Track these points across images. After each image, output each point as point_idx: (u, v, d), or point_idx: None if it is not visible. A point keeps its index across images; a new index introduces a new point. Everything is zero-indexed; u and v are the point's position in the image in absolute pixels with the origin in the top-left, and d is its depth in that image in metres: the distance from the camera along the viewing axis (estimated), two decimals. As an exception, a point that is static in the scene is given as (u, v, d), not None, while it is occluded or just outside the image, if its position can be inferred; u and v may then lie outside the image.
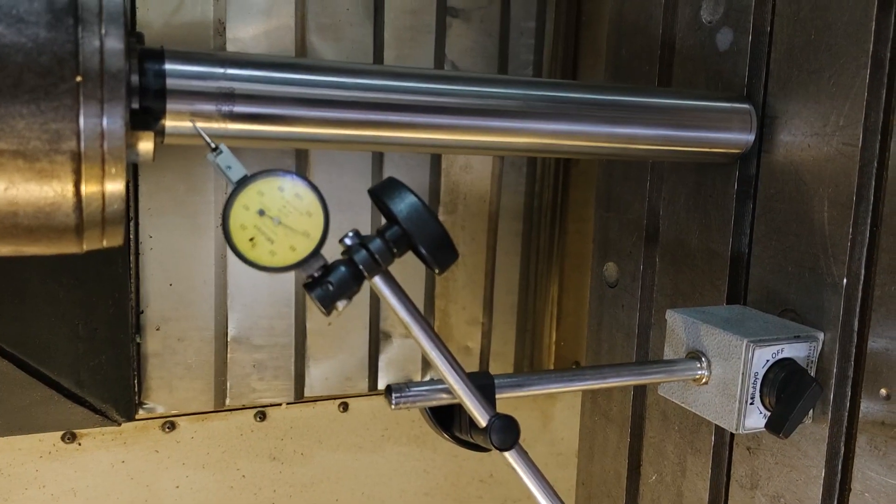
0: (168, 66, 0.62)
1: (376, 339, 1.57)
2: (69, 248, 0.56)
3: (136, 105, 0.60)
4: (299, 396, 1.51)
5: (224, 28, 1.34)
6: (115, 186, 0.54)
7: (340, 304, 0.59)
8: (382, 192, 0.61)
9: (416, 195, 0.61)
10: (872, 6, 0.73)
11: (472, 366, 1.67)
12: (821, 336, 0.80)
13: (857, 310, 0.78)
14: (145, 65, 0.61)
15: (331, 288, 0.57)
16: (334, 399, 1.55)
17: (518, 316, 1.71)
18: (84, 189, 0.53)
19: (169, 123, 0.63)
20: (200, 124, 0.61)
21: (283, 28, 1.38)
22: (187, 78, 0.63)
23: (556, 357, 1.80)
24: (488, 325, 1.68)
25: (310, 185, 0.57)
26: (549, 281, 1.75)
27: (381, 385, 1.58)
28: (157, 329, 1.39)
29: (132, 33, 0.59)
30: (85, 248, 0.57)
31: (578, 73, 1.69)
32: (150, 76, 0.61)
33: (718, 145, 0.85)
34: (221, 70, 0.63)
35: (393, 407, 0.68)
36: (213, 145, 0.58)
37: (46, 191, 0.52)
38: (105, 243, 0.58)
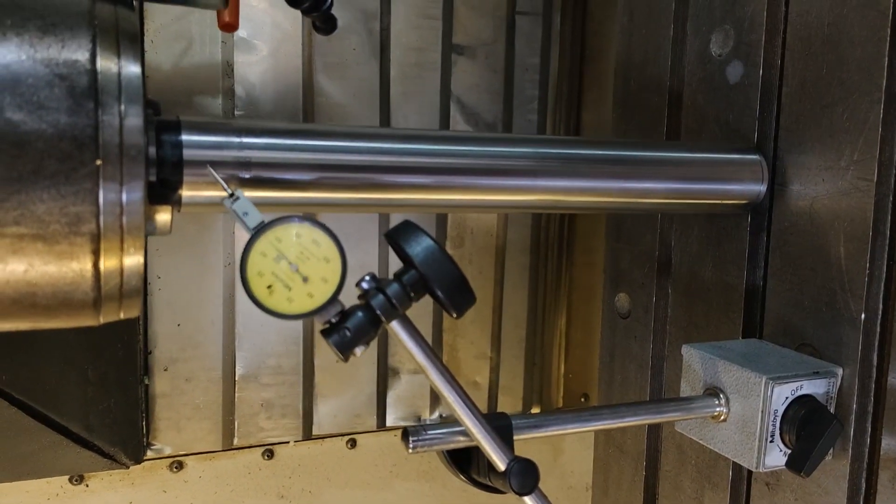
0: (185, 137, 0.62)
1: (384, 375, 1.56)
2: (86, 322, 0.56)
3: (153, 178, 0.60)
4: (307, 434, 1.50)
5: (232, 69, 1.35)
6: (134, 261, 0.54)
7: (358, 350, 0.58)
8: (398, 236, 0.60)
9: (432, 238, 0.60)
10: (884, 42, 0.74)
11: (481, 400, 1.66)
12: (840, 371, 0.79)
13: (876, 345, 0.77)
14: (162, 137, 0.61)
15: (348, 334, 0.57)
16: (342, 436, 1.54)
17: (526, 350, 1.70)
18: (103, 266, 0.53)
19: (186, 193, 0.63)
20: (212, 193, 0.61)
21: (290, 68, 1.39)
22: (204, 148, 0.63)
23: (565, 390, 1.78)
24: (496, 359, 1.67)
25: (327, 231, 0.57)
26: (557, 314, 1.74)
27: (390, 421, 1.57)
28: (166, 370, 1.38)
29: (148, 103, 0.59)
30: (102, 321, 0.56)
31: (583, 108, 1.70)
32: (168, 148, 0.61)
33: (730, 197, 0.86)
34: (237, 139, 0.64)
35: (410, 451, 0.67)
36: (230, 191, 0.58)
37: (65, 271, 0.51)
38: (122, 315, 0.57)
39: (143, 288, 0.58)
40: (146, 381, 1.36)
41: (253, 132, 0.64)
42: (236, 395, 1.43)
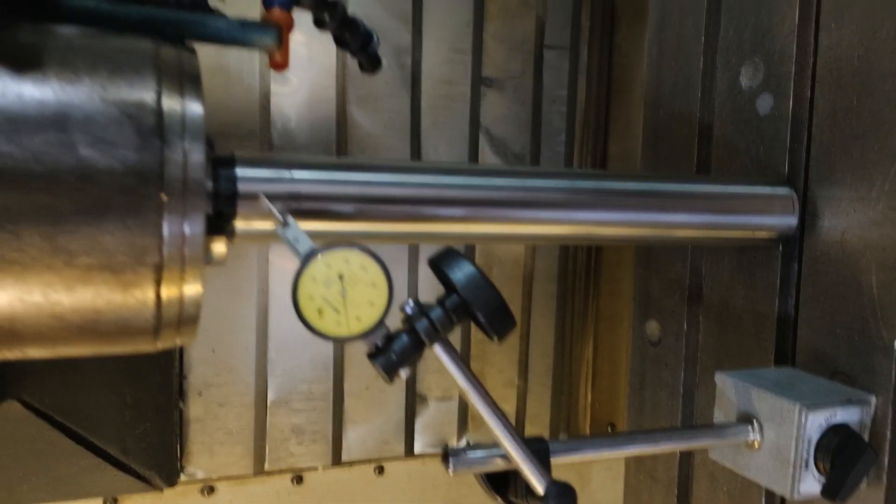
0: (239, 172, 0.65)
1: (412, 402, 1.58)
2: (144, 348, 0.59)
3: (210, 211, 0.62)
4: (336, 460, 1.51)
5: (268, 101, 1.39)
6: (193, 290, 0.57)
7: (403, 373, 0.60)
8: (441, 262, 0.63)
9: (473, 264, 0.62)
10: (914, 74, 0.76)
11: (510, 428, 1.66)
12: (873, 400, 0.80)
13: (911, 373, 0.78)
14: (218, 171, 0.64)
15: (394, 357, 0.59)
16: (370, 462, 1.55)
17: (553, 378, 1.71)
18: (164, 295, 0.55)
19: (239, 224, 0.66)
20: (262, 225, 0.64)
21: (324, 100, 1.43)
22: (257, 182, 0.66)
23: (592, 419, 1.78)
24: (524, 387, 1.68)
25: (374, 257, 0.59)
26: (584, 342, 1.75)
27: (418, 448, 1.58)
28: (200, 394, 1.40)
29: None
30: (158, 347, 0.59)
31: (610, 139, 1.72)
32: (223, 182, 0.64)
33: (761, 229, 0.87)
34: (288, 173, 0.67)
35: (451, 472, 0.68)
36: (281, 219, 0.61)
37: (129, 300, 0.54)
38: (178, 342, 0.60)
39: (199, 316, 0.60)
40: (181, 406, 1.38)
41: (302, 166, 0.67)
42: (268, 420, 1.45)
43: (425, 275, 1.51)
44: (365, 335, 0.59)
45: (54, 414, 1.21)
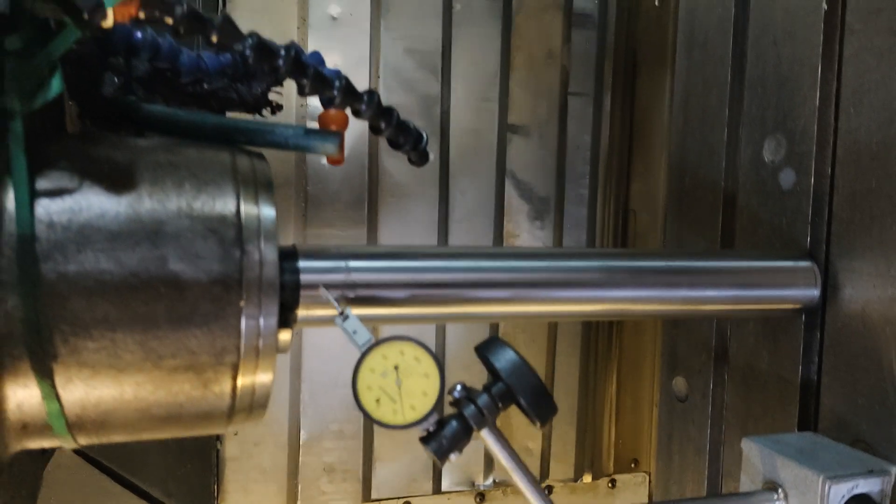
0: (301, 264, 0.70)
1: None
2: (216, 430, 0.64)
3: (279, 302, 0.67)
4: (366, 498, 1.55)
5: (304, 161, 1.45)
6: (266, 378, 0.62)
7: (453, 456, 0.65)
8: (486, 350, 0.68)
9: (515, 352, 0.67)
10: (929, 162, 0.80)
11: (534, 466, 1.70)
12: (893, 470, 0.84)
13: (930, 445, 0.82)
14: (283, 264, 0.69)
15: (444, 443, 0.64)
16: (399, 499, 1.59)
17: (578, 418, 1.74)
18: (239, 386, 0.61)
19: (300, 312, 0.71)
20: (322, 312, 0.69)
21: (357, 150, 1.49)
22: (317, 272, 0.71)
23: (616, 457, 1.82)
24: (549, 427, 1.71)
25: (427, 350, 0.64)
26: (608, 382, 1.78)
27: (445, 486, 1.62)
28: (236, 434, 1.45)
29: None
30: (230, 429, 0.64)
31: (632, 179, 1.77)
32: (288, 274, 0.69)
33: (785, 302, 0.91)
34: (344, 263, 0.72)
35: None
36: (340, 310, 0.66)
37: (208, 394, 0.59)
38: (248, 423, 0.65)
39: (269, 398, 0.66)
40: (218, 446, 1.43)
41: (357, 256, 0.73)
42: (300, 459, 1.50)
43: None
44: (418, 423, 0.64)
45: (102, 459, 1.27)
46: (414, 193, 1.55)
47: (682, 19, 1.17)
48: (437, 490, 1.62)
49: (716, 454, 1.10)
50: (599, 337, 1.76)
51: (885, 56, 0.85)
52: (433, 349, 1.54)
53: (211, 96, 0.76)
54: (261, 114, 0.79)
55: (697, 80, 1.12)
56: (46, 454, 1.19)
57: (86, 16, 0.50)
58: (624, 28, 1.72)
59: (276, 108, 0.79)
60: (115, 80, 0.70)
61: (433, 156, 1.55)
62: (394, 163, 1.53)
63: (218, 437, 1.43)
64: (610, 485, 1.83)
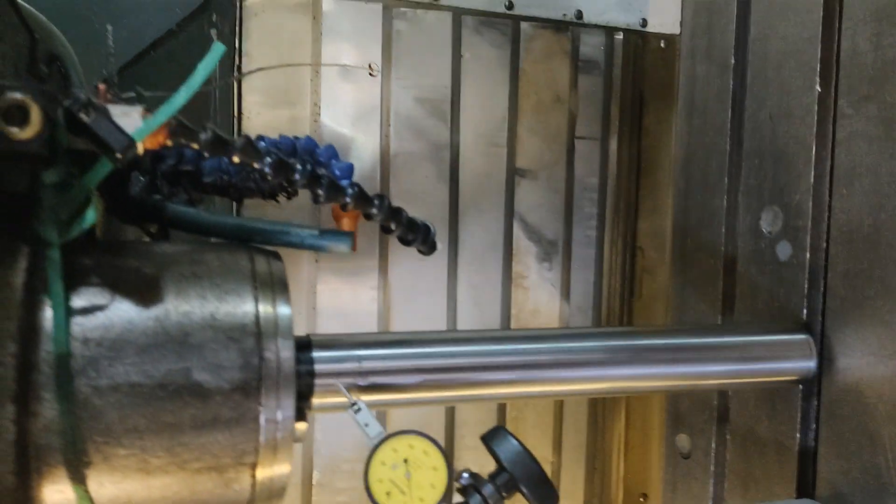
0: (315, 355, 0.74)
1: (450, 478, 1.64)
2: None
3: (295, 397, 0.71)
4: (379, 537, 1.58)
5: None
6: (283, 469, 0.66)
7: (460, 544, 0.69)
8: (491, 440, 0.72)
9: (518, 441, 0.71)
10: (917, 250, 0.83)
11: (543, 505, 1.73)
12: (886, 542, 0.87)
13: (920, 520, 0.85)
14: (298, 355, 0.72)
15: (453, 533, 0.68)
16: (410, 537, 1.62)
17: (587, 455, 1.77)
18: (258, 479, 0.65)
19: (315, 401, 0.75)
20: (334, 400, 0.73)
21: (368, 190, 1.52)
22: (330, 362, 0.75)
23: (625, 491, 1.84)
24: (558, 463, 1.74)
25: (435, 444, 0.68)
26: (616, 417, 1.81)
27: (456, 523, 1.65)
28: (251, 476, 1.49)
29: None
30: None
31: (639, 217, 1.80)
32: (303, 365, 0.73)
33: (782, 374, 0.94)
34: (356, 352, 0.76)
35: None
36: (352, 402, 0.70)
37: (228, 491, 0.64)
38: None
39: (287, 485, 0.69)
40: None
41: (368, 345, 0.77)
42: (313, 499, 1.53)
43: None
44: (428, 513, 0.68)
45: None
46: (424, 237, 1.59)
47: (683, 86, 1.21)
48: (447, 527, 1.65)
49: (718, 511, 1.13)
50: (607, 375, 1.79)
51: (874, 143, 0.88)
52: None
53: (230, 186, 0.80)
54: (276, 200, 0.84)
55: (698, 145, 1.16)
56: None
57: (119, 155, 0.54)
58: (630, 70, 1.76)
59: (292, 194, 0.83)
60: (142, 178, 0.74)
61: (443, 198, 1.59)
62: (405, 205, 1.54)
63: (234, 480, 1.47)
64: (618, 520, 1.86)
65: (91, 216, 0.56)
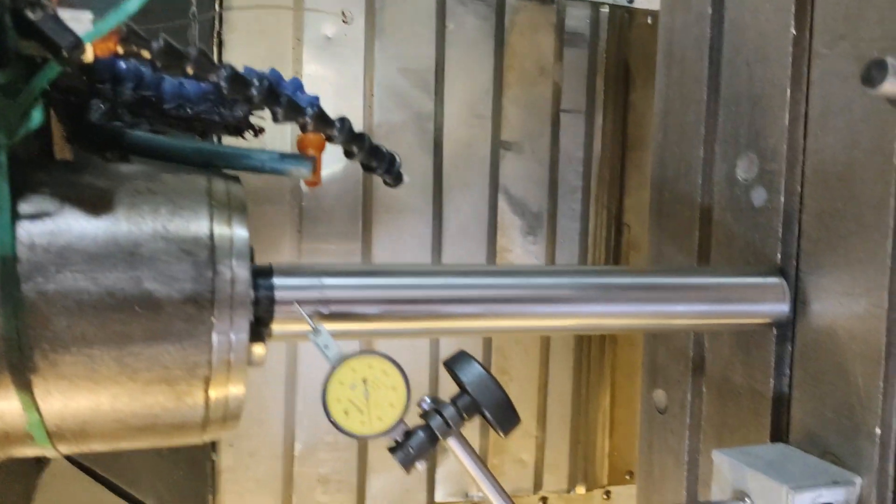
0: (276, 281, 0.73)
1: (434, 451, 1.64)
2: (192, 441, 0.67)
3: (252, 318, 0.70)
4: (361, 509, 1.58)
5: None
6: (237, 390, 0.65)
7: (419, 465, 0.68)
8: (454, 364, 0.70)
9: (482, 366, 0.70)
10: (891, 184, 0.82)
11: (527, 478, 1.72)
12: (858, 481, 0.86)
13: (892, 457, 0.84)
14: (258, 281, 0.72)
15: (411, 451, 0.67)
16: (393, 510, 1.61)
17: (571, 428, 1.76)
18: (212, 398, 0.64)
19: (275, 327, 0.74)
20: (296, 327, 0.72)
21: (351, 165, 1.51)
22: (292, 290, 0.73)
23: (610, 468, 1.83)
24: (542, 437, 1.73)
25: (394, 364, 0.67)
26: (601, 392, 1.80)
27: (439, 497, 1.64)
28: (231, 445, 1.48)
29: None
30: (206, 439, 0.67)
31: (625, 193, 1.79)
32: (262, 290, 0.72)
33: (755, 316, 0.94)
34: (318, 280, 0.75)
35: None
36: (313, 326, 0.69)
37: (181, 406, 0.63)
38: (222, 433, 0.68)
39: (242, 410, 0.69)
40: (213, 456, 1.46)
41: (331, 274, 0.76)
42: (295, 469, 1.52)
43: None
44: (385, 433, 0.67)
45: (96, 468, 1.30)
46: (408, 209, 1.58)
47: (661, 37, 1.20)
48: (430, 501, 1.64)
49: (694, 464, 1.12)
50: (592, 349, 1.78)
51: (848, 80, 0.87)
52: (430, 361, 1.57)
53: (195, 120, 0.79)
54: (243, 137, 0.83)
55: (676, 96, 1.15)
56: (41, 463, 1.22)
57: (65, 54, 0.53)
58: (615, 44, 1.75)
59: (259, 131, 0.82)
60: (102, 106, 0.73)
61: (426, 169, 1.58)
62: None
63: (213, 448, 1.46)
64: (605, 496, 1.84)
65: (38, 117, 0.55)
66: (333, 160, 1.48)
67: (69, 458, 1.27)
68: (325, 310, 0.73)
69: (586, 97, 1.74)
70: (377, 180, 1.53)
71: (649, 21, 1.79)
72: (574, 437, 1.78)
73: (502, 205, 1.67)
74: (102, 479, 1.29)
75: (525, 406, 1.72)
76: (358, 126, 1.49)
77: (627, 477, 1.85)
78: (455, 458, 0.70)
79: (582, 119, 1.74)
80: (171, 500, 1.37)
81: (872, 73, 0.78)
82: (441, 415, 0.68)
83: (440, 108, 1.61)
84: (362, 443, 1.56)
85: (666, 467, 1.17)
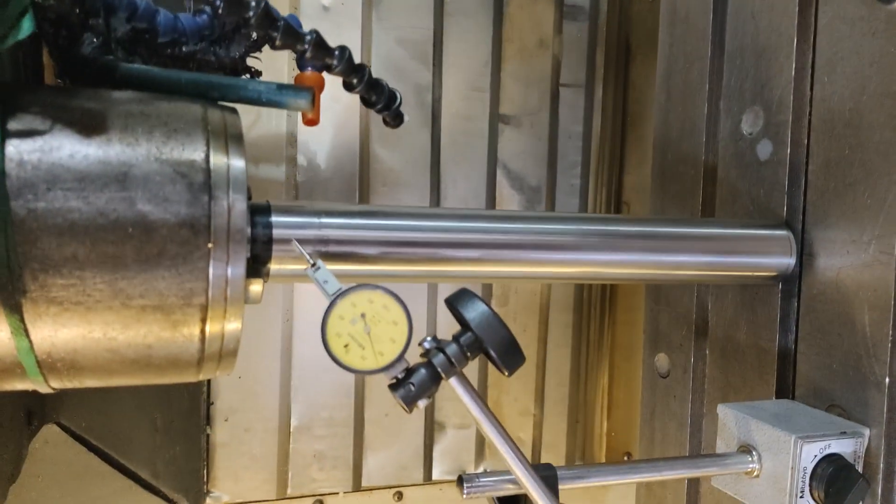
0: (274, 219, 0.71)
1: (431, 429, 1.62)
2: (187, 378, 0.65)
3: (248, 255, 0.68)
4: (356, 486, 1.56)
5: (295, 139, 1.46)
6: (234, 326, 0.63)
7: (421, 403, 0.66)
8: (456, 301, 0.68)
9: (486, 304, 0.68)
10: (900, 128, 0.81)
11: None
12: (866, 432, 0.84)
13: (901, 407, 0.83)
14: (255, 218, 0.70)
15: (412, 388, 0.65)
16: (390, 489, 1.59)
17: (569, 407, 1.75)
18: (208, 331, 0.62)
19: (273, 266, 0.72)
20: (294, 266, 0.70)
21: (348, 137, 1.50)
22: (290, 228, 0.72)
23: (608, 448, 1.82)
24: (540, 416, 1.72)
25: (396, 298, 0.65)
26: (600, 372, 1.79)
27: (436, 475, 1.62)
28: (226, 420, 1.46)
29: None
30: (201, 377, 0.65)
31: (625, 170, 1.78)
32: (260, 228, 0.70)
33: (761, 269, 0.92)
34: (317, 220, 0.73)
35: (465, 496, 0.73)
36: (311, 262, 0.67)
37: (177, 336, 0.61)
38: (218, 373, 0.66)
39: (238, 349, 0.67)
40: (208, 431, 1.44)
41: (330, 213, 0.74)
42: (291, 446, 1.50)
43: (444, 309, 1.56)
44: (386, 369, 0.65)
45: (89, 437, 1.28)
46: (405, 182, 1.56)
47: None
48: (427, 479, 1.62)
49: (697, 427, 1.11)
50: (591, 327, 1.77)
51: (856, 24, 0.86)
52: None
53: (190, 58, 0.77)
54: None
55: (679, 55, 1.14)
56: (32, 427, 1.20)
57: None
58: (616, 18, 1.74)
59: (255, 73, 0.80)
60: (94, 40, 0.71)
61: (424, 143, 1.57)
62: (385, 151, 1.54)
63: (207, 422, 1.44)
64: (602, 476, 1.83)
65: (27, 26, 0.53)
66: (332, 122, 1.46)
67: (62, 426, 1.25)
68: (322, 249, 0.72)
69: (586, 72, 1.73)
70: (374, 154, 1.51)
71: (650, -1, 1.78)
72: (572, 416, 1.76)
73: (501, 179, 1.65)
74: (96, 448, 1.27)
75: (523, 384, 1.70)
76: (354, 99, 1.49)
77: (625, 458, 1.84)
78: (457, 397, 0.68)
79: (582, 94, 1.73)
80: (165, 473, 1.34)
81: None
82: (444, 353, 0.66)
83: (438, 79, 1.59)
84: (359, 419, 1.54)
85: (668, 432, 1.16)
